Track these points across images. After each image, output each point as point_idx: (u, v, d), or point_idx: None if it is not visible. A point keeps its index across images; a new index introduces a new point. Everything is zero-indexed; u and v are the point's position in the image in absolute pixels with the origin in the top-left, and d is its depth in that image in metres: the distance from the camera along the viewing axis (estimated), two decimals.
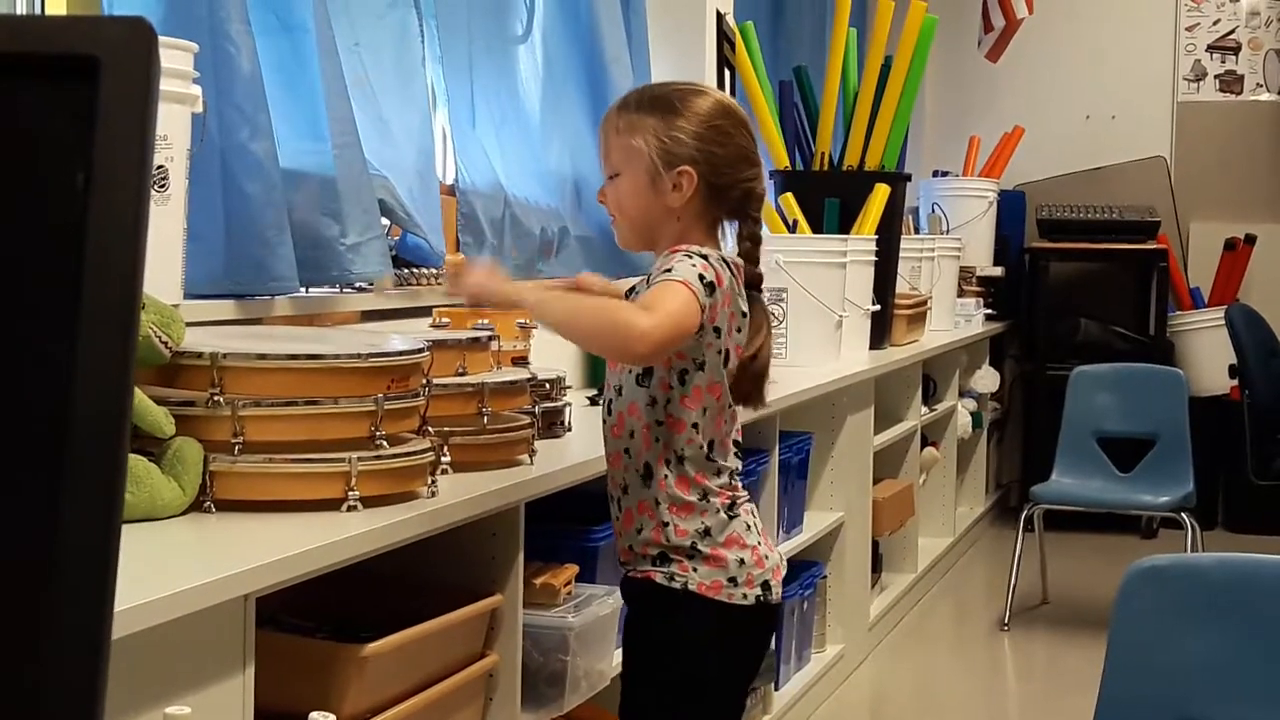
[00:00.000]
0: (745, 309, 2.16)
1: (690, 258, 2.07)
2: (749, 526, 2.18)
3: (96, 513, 0.56)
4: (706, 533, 2.14)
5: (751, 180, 2.19)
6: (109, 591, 0.57)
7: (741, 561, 2.14)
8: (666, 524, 2.13)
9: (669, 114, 2.14)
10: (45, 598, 0.55)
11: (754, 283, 2.19)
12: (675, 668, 2.16)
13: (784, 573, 2.23)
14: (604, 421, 2.21)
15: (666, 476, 2.13)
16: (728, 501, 2.16)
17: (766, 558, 2.18)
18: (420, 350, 2.19)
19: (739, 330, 2.16)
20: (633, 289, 2.18)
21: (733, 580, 2.14)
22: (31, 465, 0.56)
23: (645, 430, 2.13)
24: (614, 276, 4.04)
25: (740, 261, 2.17)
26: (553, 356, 3.14)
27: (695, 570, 2.13)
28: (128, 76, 0.52)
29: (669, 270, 2.06)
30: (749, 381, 2.19)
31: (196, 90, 2.36)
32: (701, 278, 2.04)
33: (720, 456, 2.16)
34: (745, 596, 2.15)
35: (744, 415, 2.26)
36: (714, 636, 2.15)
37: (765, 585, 2.17)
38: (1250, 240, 6.91)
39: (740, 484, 2.22)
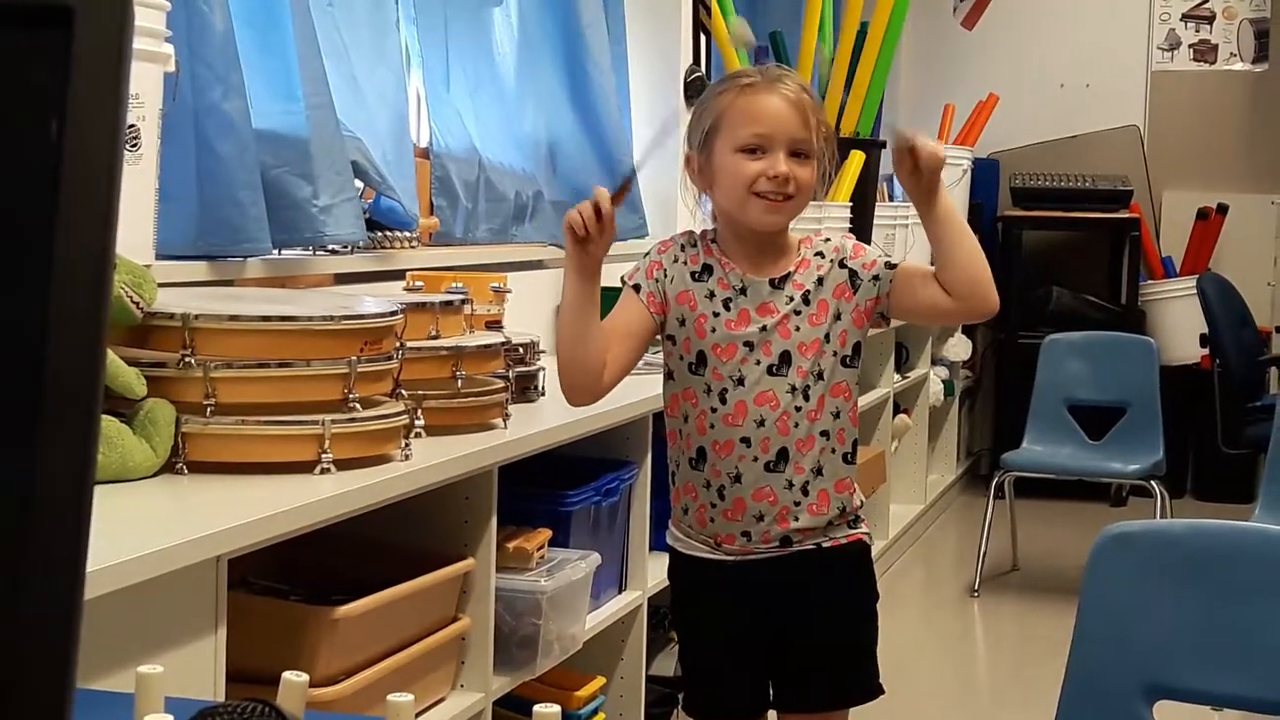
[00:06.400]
0: None
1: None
2: None
3: (69, 475, 0.55)
4: None
5: None
6: (82, 553, 0.56)
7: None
8: (855, 492, 2.21)
9: (821, 106, 2.21)
10: (18, 559, 0.54)
11: None
12: (875, 616, 2.28)
13: None
14: (796, 409, 2.12)
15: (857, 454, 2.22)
16: None
17: None
18: (393, 313, 2.18)
19: None
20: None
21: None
22: (1, 427, 0.55)
23: (853, 411, 2.18)
24: None
25: None
26: (526, 321, 3.13)
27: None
28: (102, 25, 0.52)
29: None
30: None
31: (169, 49, 2.34)
32: None
33: None
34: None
35: None
36: None
37: None
38: (1222, 210, 6.93)
39: None
